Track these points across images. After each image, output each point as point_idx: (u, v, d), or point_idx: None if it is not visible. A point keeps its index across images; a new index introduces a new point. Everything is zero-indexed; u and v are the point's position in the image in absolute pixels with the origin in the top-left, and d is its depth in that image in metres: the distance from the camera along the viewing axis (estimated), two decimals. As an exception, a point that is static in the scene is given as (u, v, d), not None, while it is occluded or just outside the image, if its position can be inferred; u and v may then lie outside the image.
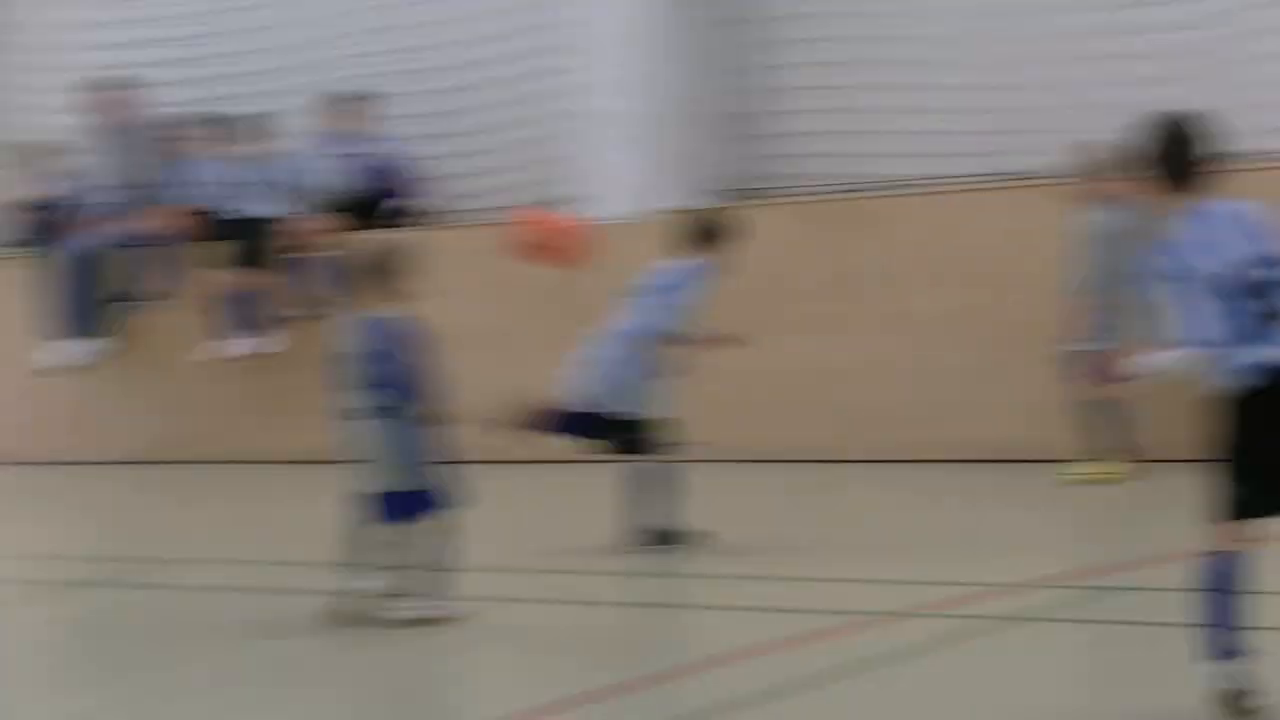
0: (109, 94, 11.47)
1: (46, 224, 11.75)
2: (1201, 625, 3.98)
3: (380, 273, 5.60)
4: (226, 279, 10.98)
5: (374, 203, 10.84)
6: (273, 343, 10.97)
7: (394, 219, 10.73)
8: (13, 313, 11.77)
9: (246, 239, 10.95)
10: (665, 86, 10.44)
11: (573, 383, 6.99)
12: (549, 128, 10.86)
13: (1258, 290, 3.90)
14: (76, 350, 11.43)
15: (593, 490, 7.47)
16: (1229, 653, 3.95)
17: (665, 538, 6.88)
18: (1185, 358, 3.95)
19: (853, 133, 10.27)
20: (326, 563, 5.89)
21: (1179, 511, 4.53)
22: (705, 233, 6.97)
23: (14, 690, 5.36)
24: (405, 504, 5.56)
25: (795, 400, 9.87)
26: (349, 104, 10.98)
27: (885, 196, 10.01)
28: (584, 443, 7.05)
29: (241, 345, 10.99)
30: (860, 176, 10.25)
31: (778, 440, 9.83)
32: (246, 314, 10.99)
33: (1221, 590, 3.95)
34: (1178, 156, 3.98)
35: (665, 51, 10.50)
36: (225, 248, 11.04)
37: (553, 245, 6.94)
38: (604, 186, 10.19)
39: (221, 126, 11.09)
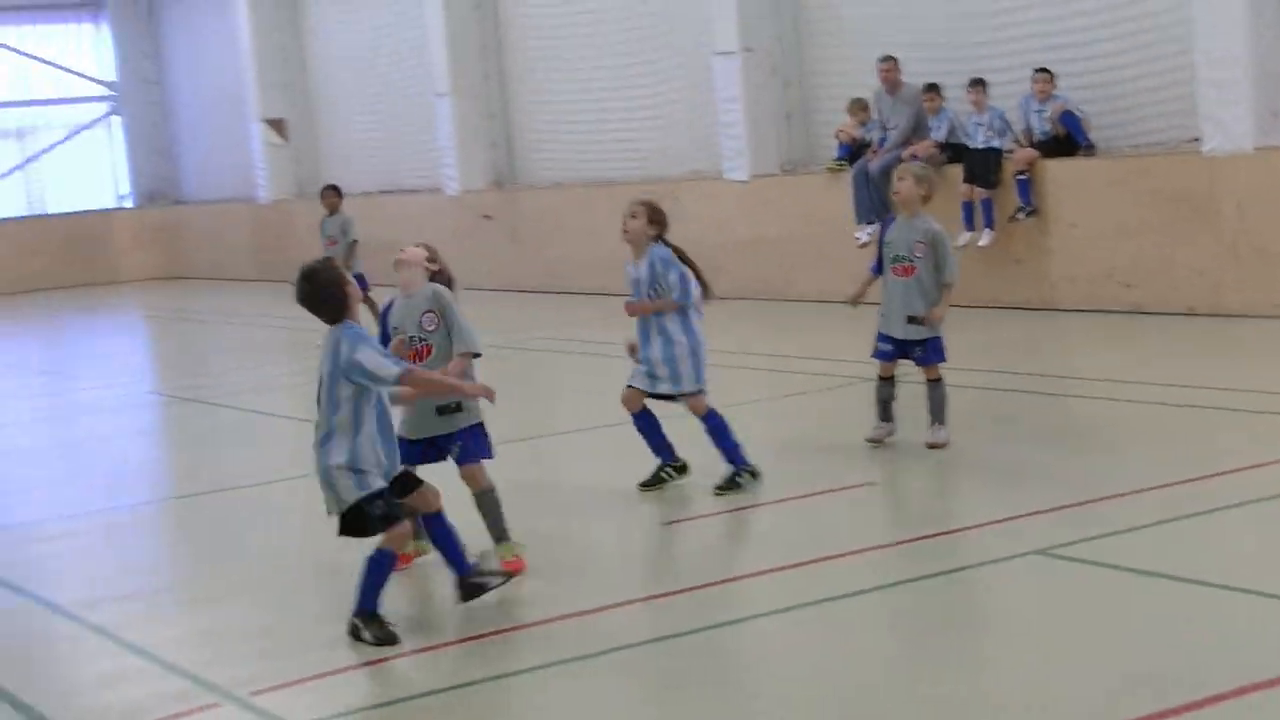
0: (887, 65, 17.53)
1: (857, 150, 18.06)
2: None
3: None
4: (964, 191, 16.76)
5: (1062, 141, 16.25)
6: (992, 237, 16.67)
7: (1076, 153, 16.11)
8: (846, 203, 18.07)
9: (978, 163, 16.68)
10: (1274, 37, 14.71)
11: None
12: (1175, 75, 15.72)
13: None
14: (868, 231, 17.57)
15: None
16: None
17: None
18: None
19: None
20: None
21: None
22: None
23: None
24: None
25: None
26: (1040, 72, 16.36)
27: None
28: None
29: (975, 237, 16.76)
30: None
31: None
32: (980, 216, 16.75)
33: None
34: None
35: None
36: (964, 169, 16.83)
37: None
38: (1221, 125, 15.02)
39: (975, 87, 16.72)
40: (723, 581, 7.52)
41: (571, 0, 22.60)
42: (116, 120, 33.64)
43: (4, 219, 31.65)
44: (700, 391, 9.20)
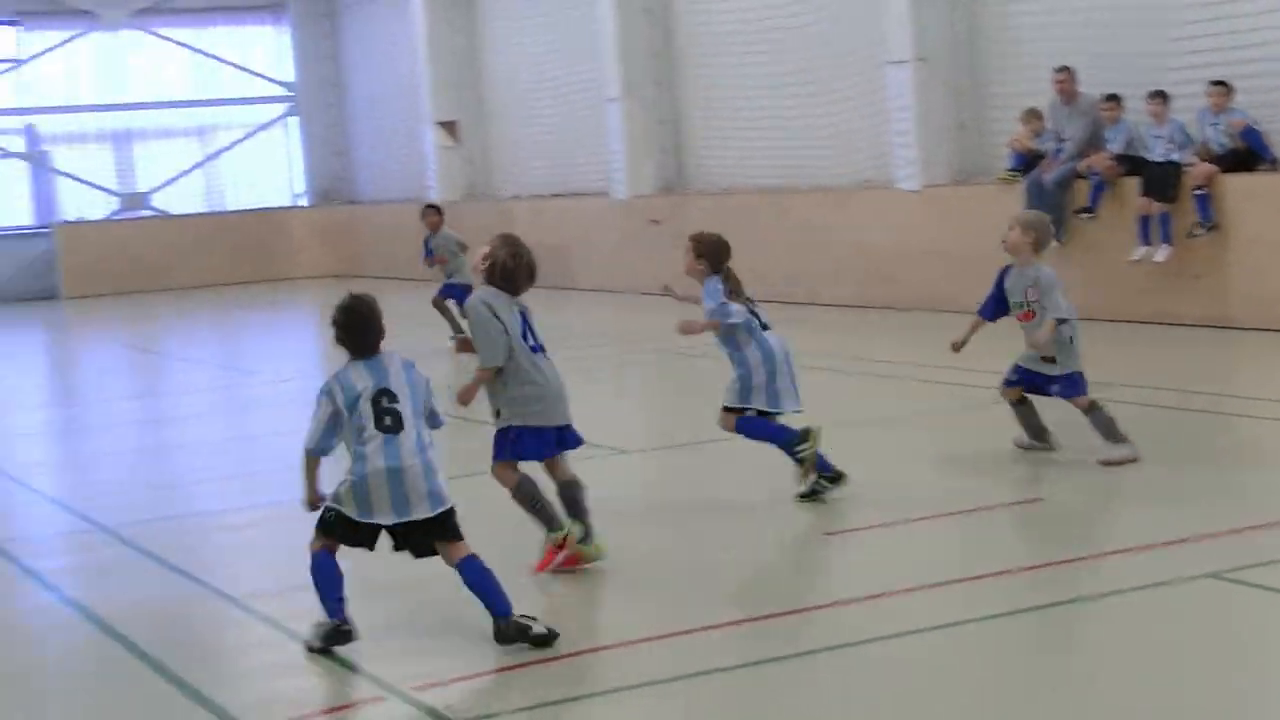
0: (1062, 76, 17.29)
1: (1030, 161, 17.85)
2: None
3: None
4: (1141, 205, 16.47)
5: (1242, 156, 15.89)
6: (1169, 252, 16.35)
7: (1256, 168, 15.76)
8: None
9: (1156, 177, 16.39)
10: None
11: None
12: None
13: None
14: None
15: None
16: None
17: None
18: None
19: None
20: None
21: None
22: None
23: None
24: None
25: None
26: (1216, 85, 16.00)
27: None
28: None
29: (1151, 252, 16.47)
30: None
31: None
32: (1156, 230, 16.46)
33: None
34: None
35: None
36: (1141, 182, 16.54)
37: None
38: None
39: (1156, 99, 16.43)
40: (879, 596, 7.49)
41: (745, 7, 22.63)
42: (294, 120, 34.38)
43: (184, 215, 32.56)
44: (729, 409, 9.37)
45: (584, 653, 6.84)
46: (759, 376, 9.28)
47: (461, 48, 29.31)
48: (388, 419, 6.86)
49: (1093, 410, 9.88)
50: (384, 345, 7.16)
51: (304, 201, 34.39)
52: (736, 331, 9.31)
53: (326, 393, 7.00)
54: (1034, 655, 6.65)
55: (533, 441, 7.99)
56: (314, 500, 7.14)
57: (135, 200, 32.74)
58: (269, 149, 34.37)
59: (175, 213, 32.67)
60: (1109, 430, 9.82)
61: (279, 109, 34.33)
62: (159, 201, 33.08)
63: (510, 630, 6.81)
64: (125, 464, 12.74)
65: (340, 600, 6.97)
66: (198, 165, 33.53)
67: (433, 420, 7.13)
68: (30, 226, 32.04)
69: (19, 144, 32.40)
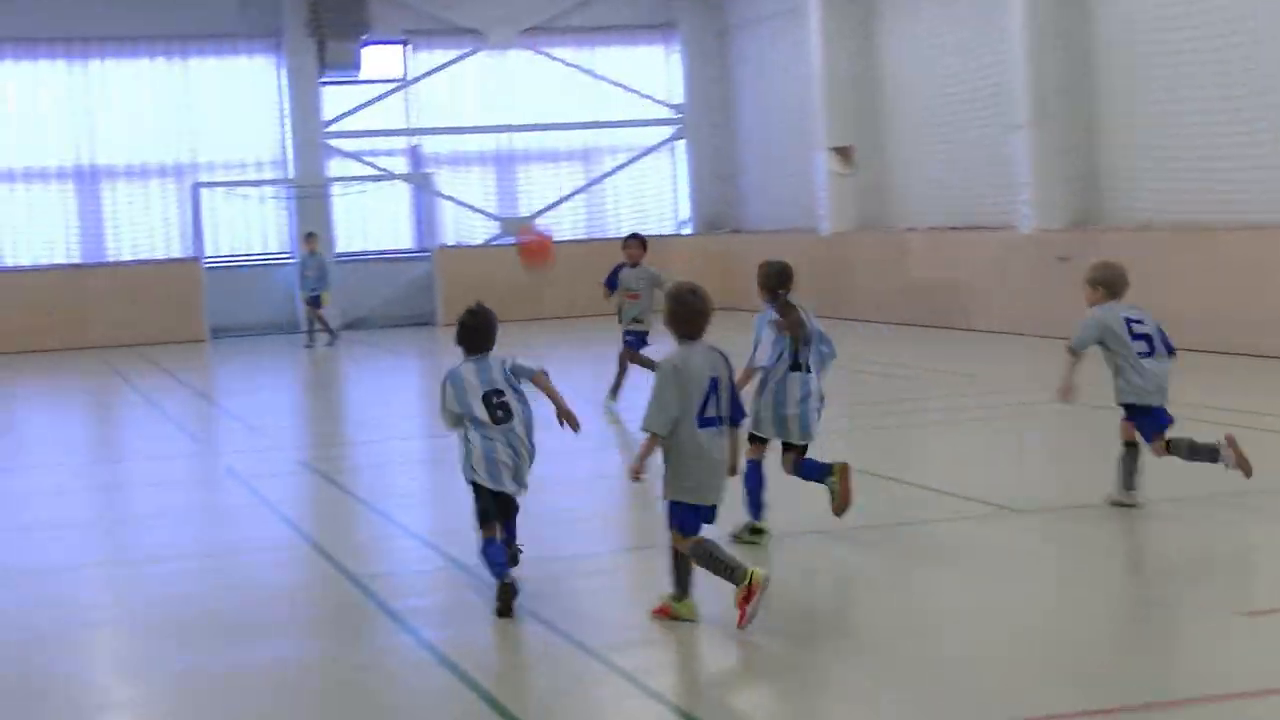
0: None
1: None
2: None
3: None
4: None
5: None
6: None
7: None
8: None
9: None
10: None
11: None
12: None
13: None
14: None
15: None
16: None
17: None
18: None
19: None
20: None
21: None
22: None
23: None
24: None
25: None
26: None
27: None
28: None
29: None
30: None
31: None
32: None
33: None
34: None
35: None
36: None
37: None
38: None
39: None
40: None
41: (1179, 25, 21.75)
42: (680, 144, 34.86)
43: (564, 240, 33.26)
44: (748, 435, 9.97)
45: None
46: (766, 410, 10.25)
47: (858, 69, 29.21)
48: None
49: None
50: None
51: (687, 229, 34.81)
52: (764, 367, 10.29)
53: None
54: None
55: (688, 516, 8.46)
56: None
57: (516, 225, 33.62)
58: (654, 174, 34.94)
59: (556, 239, 33.45)
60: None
61: (666, 132, 34.87)
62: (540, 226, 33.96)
63: None
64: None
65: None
66: (580, 190, 34.32)
67: None
68: (410, 251, 33.31)
69: (402, 165, 33.74)
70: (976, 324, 24.32)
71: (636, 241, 18.26)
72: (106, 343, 29.90)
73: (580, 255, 32.65)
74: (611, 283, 18.02)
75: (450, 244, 33.15)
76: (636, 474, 8.46)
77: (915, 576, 9.49)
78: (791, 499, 10.72)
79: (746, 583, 8.08)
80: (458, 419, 9.11)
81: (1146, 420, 10.49)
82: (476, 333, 9.37)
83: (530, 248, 13.68)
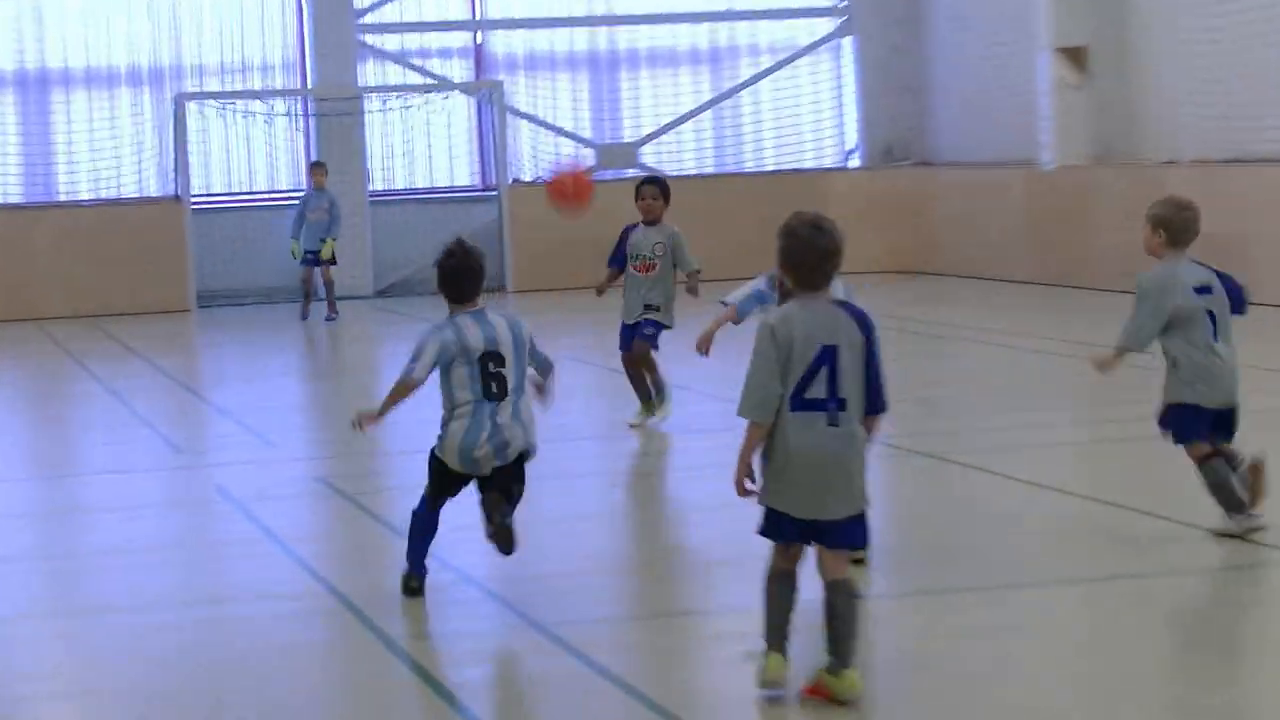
0: None
1: None
2: None
3: None
4: None
5: None
6: None
7: None
8: None
9: None
10: None
11: None
12: None
13: None
14: None
15: None
16: None
17: None
18: None
19: None
20: None
21: None
22: None
23: None
24: None
25: None
26: None
27: None
28: None
29: None
30: None
31: None
32: None
33: None
34: None
35: None
36: None
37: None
38: None
39: None
40: None
41: None
42: (847, 43, 34.53)
43: (681, 175, 32.80)
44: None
45: None
46: None
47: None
48: None
49: None
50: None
51: (854, 161, 34.54)
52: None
53: None
54: None
55: (777, 524, 8.43)
56: None
57: (617, 155, 33.47)
58: (809, 85, 34.62)
59: (673, 173, 32.87)
60: None
61: (827, 26, 34.56)
62: (649, 158, 33.74)
63: None
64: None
65: None
66: (705, 105, 34.04)
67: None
68: (470, 188, 33.21)
69: (462, 72, 33.63)
70: (1270, 294, 23.85)
71: (655, 189, 16.82)
72: (56, 313, 29.99)
73: (702, 198, 32.28)
74: (618, 260, 16.82)
75: (526, 179, 33.04)
76: (741, 486, 8.31)
77: None
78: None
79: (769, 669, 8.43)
80: (422, 379, 10.05)
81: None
82: (464, 275, 10.02)
83: (559, 186, 14.38)
